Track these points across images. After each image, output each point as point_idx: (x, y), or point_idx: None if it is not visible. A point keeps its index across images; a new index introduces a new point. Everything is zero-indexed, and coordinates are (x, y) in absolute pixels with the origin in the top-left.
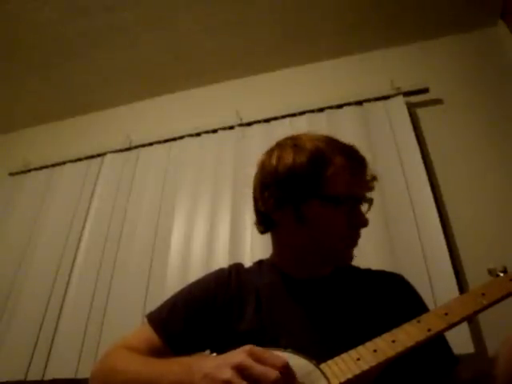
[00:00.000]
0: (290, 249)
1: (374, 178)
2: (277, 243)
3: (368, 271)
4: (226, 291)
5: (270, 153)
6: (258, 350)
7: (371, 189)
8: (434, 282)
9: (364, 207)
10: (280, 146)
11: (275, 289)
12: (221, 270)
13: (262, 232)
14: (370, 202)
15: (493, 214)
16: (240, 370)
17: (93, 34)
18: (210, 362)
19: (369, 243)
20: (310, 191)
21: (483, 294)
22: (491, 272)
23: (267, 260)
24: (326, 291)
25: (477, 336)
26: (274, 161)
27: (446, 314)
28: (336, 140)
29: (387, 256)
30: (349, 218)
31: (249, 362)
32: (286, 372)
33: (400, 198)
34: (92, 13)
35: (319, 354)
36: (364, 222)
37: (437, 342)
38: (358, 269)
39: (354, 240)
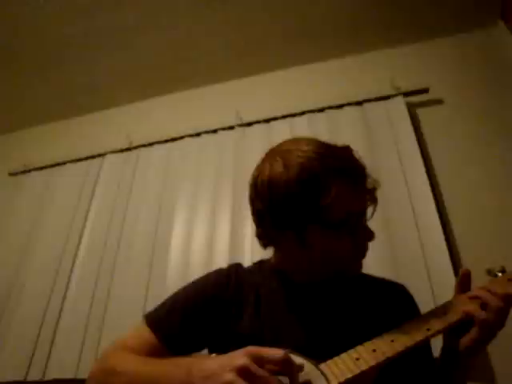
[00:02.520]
0: (291, 262)
1: (375, 187)
2: (279, 254)
3: (369, 278)
4: (225, 291)
5: (261, 171)
6: (258, 350)
7: (373, 197)
8: (434, 283)
9: (369, 209)
10: (271, 162)
11: (275, 290)
12: (220, 270)
13: (264, 248)
14: (375, 203)
15: (492, 214)
16: (242, 372)
17: (93, 35)
18: (211, 364)
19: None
20: (308, 219)
21: None
22: (490, 272)
23: (268, 261)
24: (327, 295)
25: None
26: (265, 186)
27: (445, 314)
28: (330, 152)
29: (387, 255)
30: (353, 236)
31: (251, 365)
32: (288, 364)
33: (400, 199)
34: (92, 13)
35: (319, 357)
36: (370, 237)
37: (425, 362)
38: (361, 274)
39: (361, 255)
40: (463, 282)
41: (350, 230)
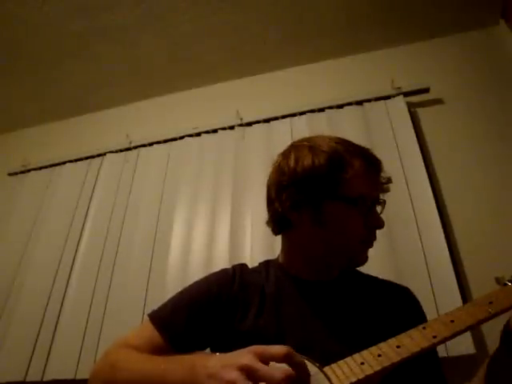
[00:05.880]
0: (302, 250)
1: (389, 180)
2: (289, 244)
3: (375, 279)
4: (230, 291)
5: (286, 154)
6: (263, 348)
7: (386, 191)
8: (435, 283)
9: (378, 209)
10: (296, 147)
11: (282, 289)
12: (225, 270)
13: (276, 233)
14: (383, 203)
15: (493, 214)
16: (246, 371)
17: (92, 34)
18: (214, 362)
19: None
20: (328, 193)
21: (490, 303)
22: (499, 281)
23: (274, 260)
24: (333, 294)
25: (478, 337)
26: (291, 162)
27: (452, 322)
28: (351, 142)
29: (387, 255)
30: (365, 220)
31: (255, 363)
32: (292, 360)
33: (401, 198)
34: (92, 13)
35: (325, 355)
36: (380, 224)
37: (432, 367)
38: (364, 274)
39: (370, 241)
40: None
41: (363, 211)
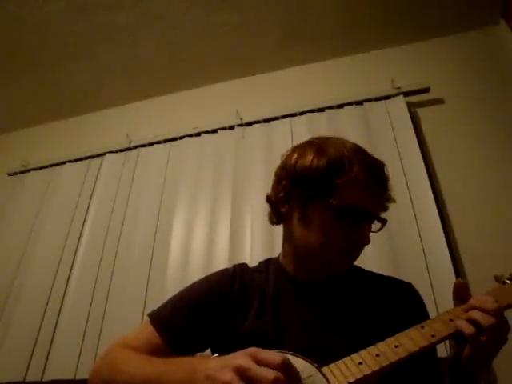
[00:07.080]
0: (291, 247)
1: (390, 200)
2: (283, 240)
3: (376, 276)
4: (230, 292)
5: (296, 148)
6: (259, 351)
7: (384, 209)
8: (435, 282)
9: (376, 226)
10: (308, 144)
11: (281, 289)
12: (225, 270)
13: (272, 223)
14: (383, 222)
15: (492, 213)
16: (240, 371)
17: (92, 34)
18: (212, 364)
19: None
20: (318, 194)
21: None
22: (498, 279)
23: (275, 259)
24: (333, 294)
25: None
26: (294, 157)
27: (451, 321)
28: (364, 152)
29: (387, 255)
30: (349, 232)
31: (249, 364)
32: (287, 369)
33: (400, 198)
34: (92, 13)
35: (323, 356)
36: (364, 240)
37: (430, 366)
38: (366, 272)
39: (350, 255)
40: (459, 293)
41: (349, 223)
